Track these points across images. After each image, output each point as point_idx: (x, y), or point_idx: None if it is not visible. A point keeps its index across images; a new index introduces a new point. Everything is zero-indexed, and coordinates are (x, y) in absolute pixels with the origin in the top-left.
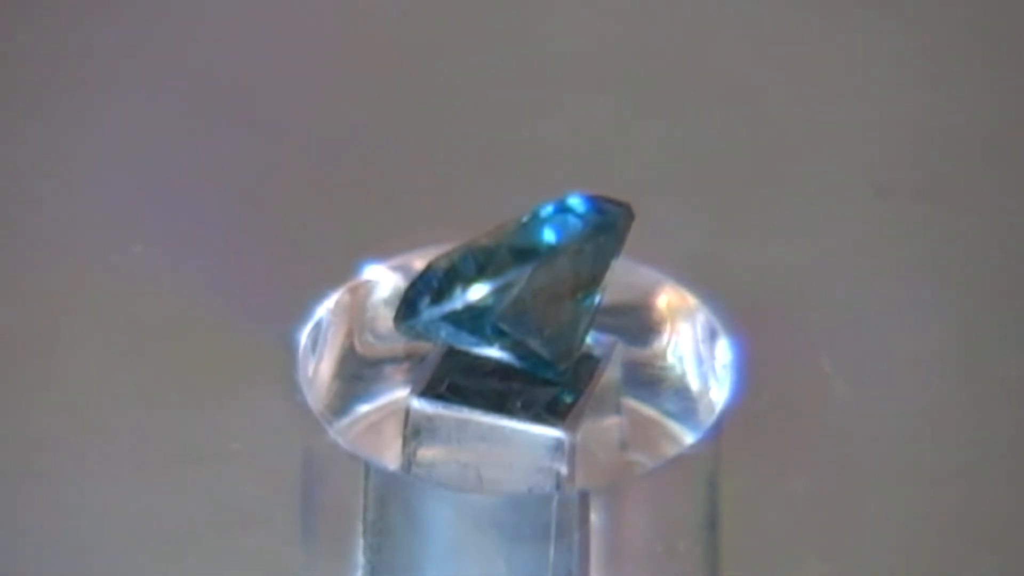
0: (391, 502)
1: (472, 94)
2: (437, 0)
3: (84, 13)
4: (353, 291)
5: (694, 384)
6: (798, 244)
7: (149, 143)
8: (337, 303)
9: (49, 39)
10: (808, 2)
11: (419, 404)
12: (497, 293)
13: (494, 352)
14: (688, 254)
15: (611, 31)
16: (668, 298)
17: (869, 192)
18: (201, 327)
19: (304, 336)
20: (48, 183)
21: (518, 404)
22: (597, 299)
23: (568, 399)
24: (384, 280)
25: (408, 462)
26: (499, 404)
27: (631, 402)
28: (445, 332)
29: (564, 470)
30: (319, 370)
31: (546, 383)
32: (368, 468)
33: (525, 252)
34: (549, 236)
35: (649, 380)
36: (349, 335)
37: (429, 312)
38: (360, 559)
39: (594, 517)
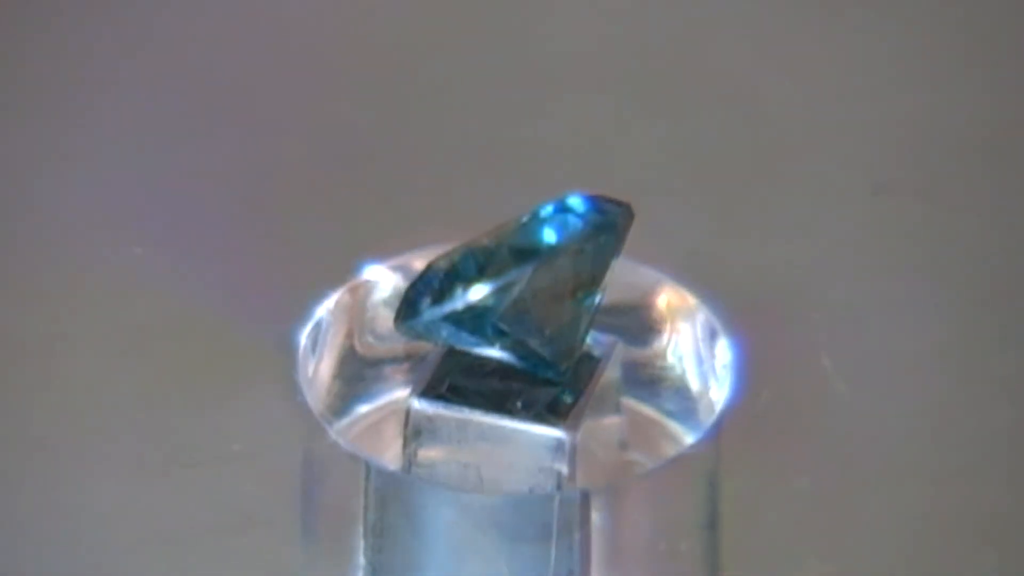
0: (392, 502)
1: (472, 94)
2: (437, 0)
3: (84, 13)
4: (353, 291)
5: (694, 384)
6: (798, 243)
7: (149, 143)
8: (337, 303)
9: (49, 39)
10: (807, 2)
11: (419, 404)
12: (498, 293)
13: (495, 352)
14: (688, 254)
15: (611, 31)
16: (668, 298)
17: (868, 192)
18: (201, 328)
19: (304, 336)
20: (48, 183)
21: (519, 404)
22: (597, 299)
23: (568, 399)
24: (384, 280)
25: (409, 462)
26: (500, 404)
27: (631, 402)
28: (446, 332)
29: (565, 470)
30: (319, 370)
31: (546, 383)
32: (369, 468)
33: (526, 252)
34: (550, 236)
35: (649, 380)
36: (349, 335)
37: (430, 312)
38: (361, 559)
39: (595, 517)
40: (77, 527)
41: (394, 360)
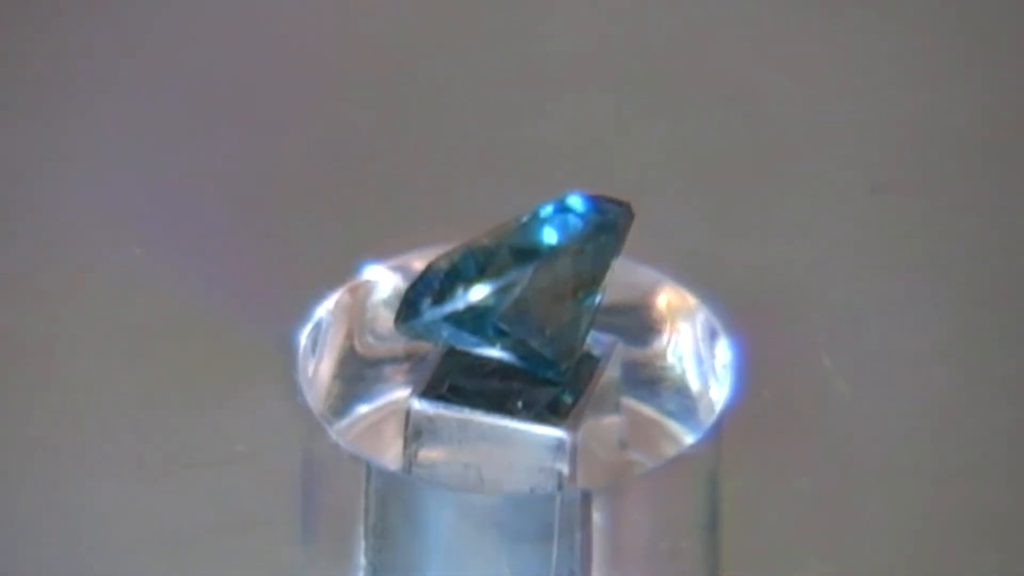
0: (393, 503)
1: (472, 94)
2: (437, 0)
3: (83, 14)
4: (353, 291)
5: (694, 384)
6: (797, 243)
7: (149, 143)
8: (337, 303)
9: (48, 39)
10: (807, 2)
11: (420, 405)
12: (498, 293)
13: (495, 352)
14: (687, 253)
15: (610, 31)
16: (668, 298)
17: (867, 191)
18: (201, 328)
19: (304, 337)
20: (48, 183)
21: (519, 404)
22: (598, 299)
23: (569, 399)
24: (384, 280)
25: (409, 463)
26: (500, 404)
27: (631, 402)
28: (447, 332)
29: (566, 470)
30: (319, 371)
31: (547, 383)
32: (369, 469)
33: (526, 252)
34: (550, 236)
35: (649, 380)
36: (349, 335)
37: (431, 313)
38: (361, 560)
39: (596, 517)
40: (77, 527)
41: (394, 360)
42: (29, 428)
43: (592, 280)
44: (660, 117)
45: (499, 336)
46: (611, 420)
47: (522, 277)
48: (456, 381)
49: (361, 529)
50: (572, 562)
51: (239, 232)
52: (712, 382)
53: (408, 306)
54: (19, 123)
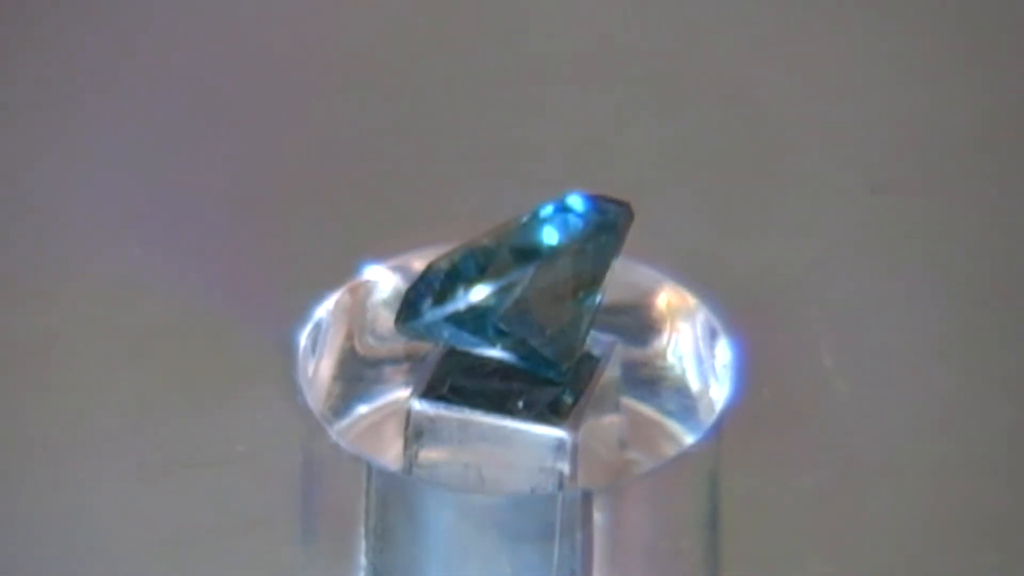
0: (393, 503)
1: (471, 94)
2: (435, 0)
3: (81, 15)
4: (353, 292)
5: (694, 384)
6: (797, 242)
7: (148, 144)
8: (337, 304)
9: (45, 40)
10: (806, 2)
11: (420, 406)
12: (499, 294)
13: (496, 352)
14: (686, 253)
15: (609, 30)
16: (667, 297)
17: (867, 190)
18: (201, 329)
19: (304, 337)
20: (46, 185)
21: (520, 404)
22: (598, 299)
23: (569, 399)
24: (384, 280)
25: (410, 463)
26: (501, 404)
27: (631, 402)
28: (447, 333)
29: (567, 470)
30: (319, 371)
31: (547, 383)
32: (370, 470)
33: (526, 252)
34: (550, 236)
35: (649, 380)
36: (349, 336)
37: (432, 313)
38: (362, 560)
39: (597, 517)
40: (78, 529)
41: (394, 361)
42: (29, 429)
43: (592, 280)
44: (660, 117)
45: (500, 336)
46: (611, 420)
47: (523, 277)
48: (456, 381)
49: (362, 530)
50: (573, 562)
51: (239, 232)
52: (712, 382)
53: (408, 307)
54: (18, 124)
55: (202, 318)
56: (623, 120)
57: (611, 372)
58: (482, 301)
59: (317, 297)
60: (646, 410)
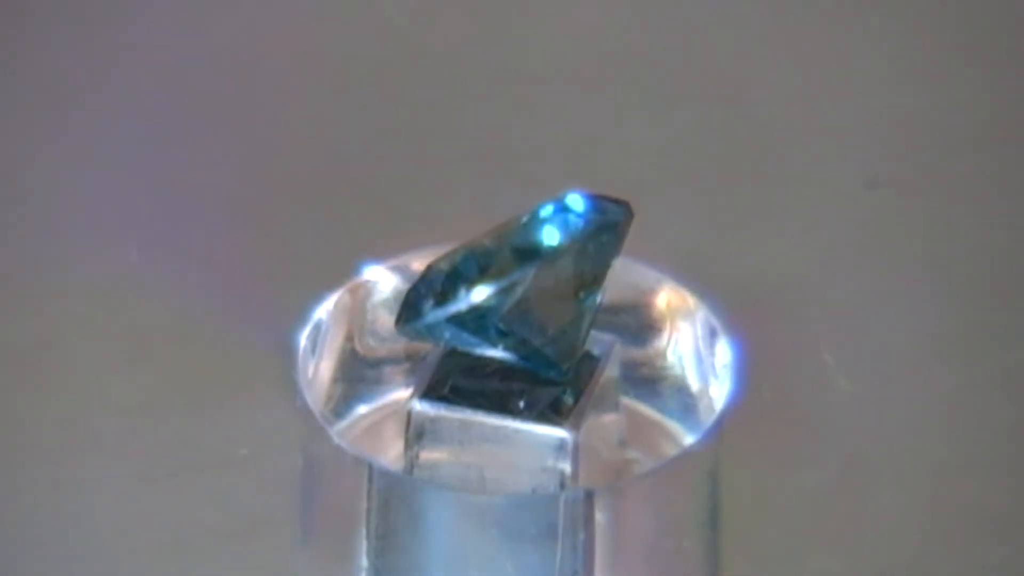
0: (395, 504)
1: (470, 94)
2: (434, 1)
3: (81, 15)
4: (353, 292)
5: (694, 384)
6: (797, 241)
7: (146, 146)
8: (337, 304)
9: (45, 40)
10: (803, 1)
11: (421, 406)
12: (501, 294)
13: (497, 352)
14: (686, 252)
15: (608, 30)
16: (667, 297)
17: (862, 185)
18: (201, 330)
19: (304, 338)
20: (45, 188)
21: (520, 404)
22: (599, 298)
23: (569, 398)
24: (384, 281)
25: (410, 464)
26: (502, 405)
27: (631, 402)
28: (448, 333)
29: (568, 469)
30: (319, 372)
31: (547, 383)
32: (372, 470)
33: (527, 252)
34: (551, 236)
35: (649, 379)
36: (349, 336)
37: (433, 314)
38: (364, 562)
39: (599, 516)
40: (79, 532)
41: (394, 361)
42: (29, 431)
43: (593, 280)
44: (658, 117)
45: (501, 336)
46: (611, 419)
47: (524, 277)
48: (457, 382)
49: (363, 531)
50: (575, 562)
51: (238, 233)
52: (712, 381)
53: (409, 307)
54: (17, 125)
55: (202, 319)
56: (622, 120)
57: (611, 371)
58: (483, 301)
59: (317, 298)
60: (646, 410)
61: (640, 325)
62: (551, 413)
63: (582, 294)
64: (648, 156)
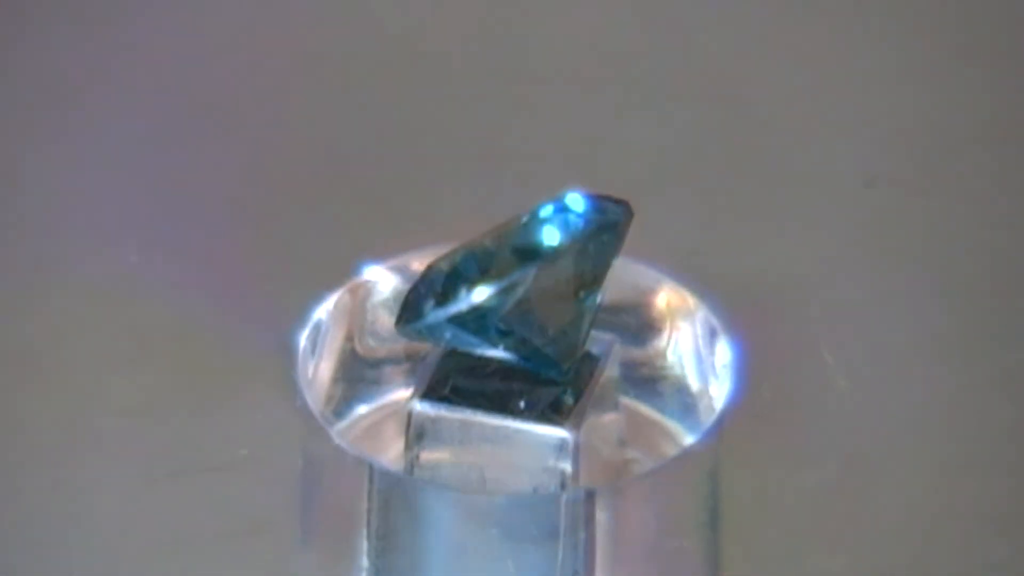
0: (396, 505)
1: (469, 94)
2: (432, 1)
3: (80, 15)
4: (352, 292)
5: (694, 383)
6: (797, 240)
7: (146, 146)
8: (336, 304)
9: (44, 41)
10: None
11: (422, 407)
12: (501, 294)
13: (497, 352)
14: (685, 252)
15: (607, 30)
16: (667, 297)
17: (860, 184)
18: (201, 331)
19: (304, 338)
20: (44, 189)
21: (521, 404)
22: (599, 298)
23: (570, 398)
24: (383, 281)
25: (411, 465)
26: (502, 405)
27: (631, 402)
28: (449, 334)
29: (569, 469)
30: (319, 372)
31: (548, 382)
32: (372, 471)
33: (528, 252)
34: (551, 236)
35: (649, 379)
36: (349, 336)
37: (434, 315)
38: (365, 562)
39: (600, 516)
40: (80, 534)
41: (394, 361)
42: (29, 433)
43: (593, 279)
44: (657, 116)
45: (501, 336)
46: (611, 418)
47: (525, 277)
48: (457, 382)
49: (364, 531)
50: (576, 562)
51: (238, 233)
52: (712, 381)
53: (410, 308)
54: (16, 126)
55: (202, 319)
56: (622, 120)
57: (610, 371)
58: (484, 302)
59: (317, 298)
60: (646, 410)
61: (640, 325)
62: (551, 413)
63: (582, 294)
64: (648, 156)
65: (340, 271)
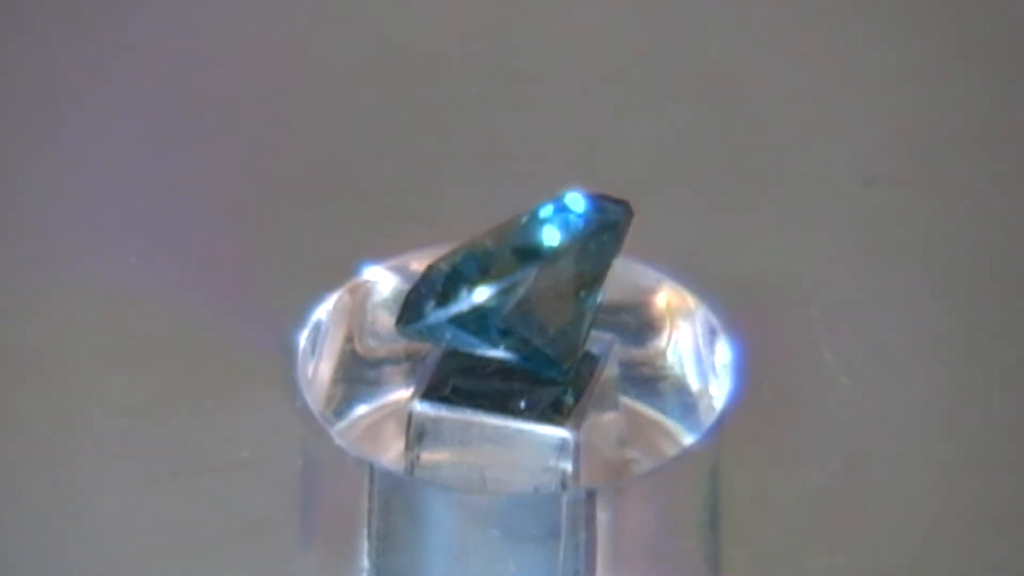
0: (397, 505)
1: (469, 93)
2: (432, 1)
3: (78, 15)
4: (352, 292)
5: (694, 383)
6: (796, 239)
7: (145, 147)
8: (336, 305)
9: (42, 42)
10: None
11: (422, 407)
12: (502, 294)
13: (498, 352)
14: (685, 251)
15: (607, 29)
16: (666, 296)
17: (860, 183)
18: (199, 332)
19: (304, 339)
20: (43, 190)
21: (521, 404)
22: (599, 297)
23: (570, 398)
24: (383, 281)
25: (411, 465)
26: (502, 405)
27: (631, 401)
28: (450, 334)
29: (570, 469)
30: (319, 373)
31: (548, 382)
32: (373, 471)
33: (528, 252)
34: (552, 236)
35: (648, 379)
36: (349, 337)
37: (435, 315)
38: (365, 563)
39: (601, 516)
40: (80, 535)
41: (394, 361)
42: (29, 433)
43: (593, 279)
44: (657, 116)
45: (502, 337)
46: (611, 417)
47: (526, 277)
48: (458, 382)
49: (365, 532)
50: (577, 561)
51: (237, 234)
52: (712, 381)
53: (410, 308)
54: (16, 125)
55: (202, 320)
56: (622, 120)
57: (610, 371)
58: (485, 302)
59: (317, 298)
60: (646, 409)
61: (640, 325)
62: (552, 413)
63: (583, 294)
64: (648, 156)
65: (340, 271)
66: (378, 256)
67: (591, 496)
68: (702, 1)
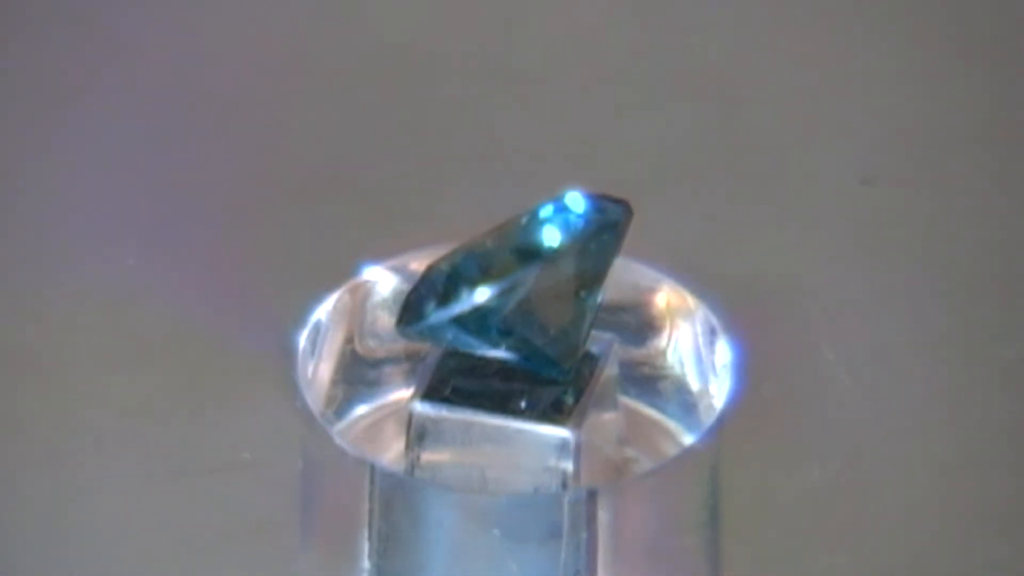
0: (397, 505)
1: (468, 93)
2: (432, 1)
3: (78, 15)
4: (352, 292)
5: (694, 383)
6: (795, 239)
7: (145, 147)
8: (336, 305)
9: (41, 42)
10: None
11: (422, 407)
12: (503, 295)
13: (498, 352)
14: (685, 251)
15: (605, 28)
16: (666, 296)
17: (857, 181)
18: (199, 332)
19: (303, 339)
20: (42, 191)
21: (522, 404)
22: (599, 297)
23: (570, 398)
24: (383, 281)
25: (412, 466)
26: (503, 405)
27: (631, 401)
28: (451, 334)
29: (571, 469)
30: (319, 373)
31: (548, 382)
32: (374, 472)
33: (529, 253)
34: (552, 236)
35: (648, 379)
36: (349, 337)
37: (435, 316)
38: (366, 563)
39: (602, 516)
40: (80, 536)
41: (394, 361)
42: (29, 434)
43: (594, 279)
44: (657, 116)
45: (502, 337)
46: (611, 417)
47: (526, 278)
48: (458, 382)
49: (365, 532)
50: (578, 561)
51: (237, 234)
52: (712, 381)
53: (411, 309)
54: (16, 125)
55: (201, 321)
56: (622, 120)
57: (610, 370)
58: (486, 302)
59: (317, 298)
60: (646, 409)
61: (640, 325)
62: (552, 413)
63: (583, 293)
64: (648, 156)
65: (340, 271)
66: (378, 256)
67: (592, 496)
68: (702, 1)
